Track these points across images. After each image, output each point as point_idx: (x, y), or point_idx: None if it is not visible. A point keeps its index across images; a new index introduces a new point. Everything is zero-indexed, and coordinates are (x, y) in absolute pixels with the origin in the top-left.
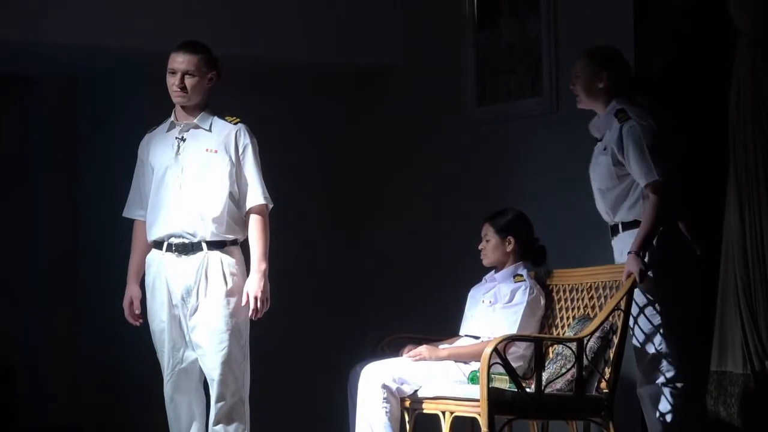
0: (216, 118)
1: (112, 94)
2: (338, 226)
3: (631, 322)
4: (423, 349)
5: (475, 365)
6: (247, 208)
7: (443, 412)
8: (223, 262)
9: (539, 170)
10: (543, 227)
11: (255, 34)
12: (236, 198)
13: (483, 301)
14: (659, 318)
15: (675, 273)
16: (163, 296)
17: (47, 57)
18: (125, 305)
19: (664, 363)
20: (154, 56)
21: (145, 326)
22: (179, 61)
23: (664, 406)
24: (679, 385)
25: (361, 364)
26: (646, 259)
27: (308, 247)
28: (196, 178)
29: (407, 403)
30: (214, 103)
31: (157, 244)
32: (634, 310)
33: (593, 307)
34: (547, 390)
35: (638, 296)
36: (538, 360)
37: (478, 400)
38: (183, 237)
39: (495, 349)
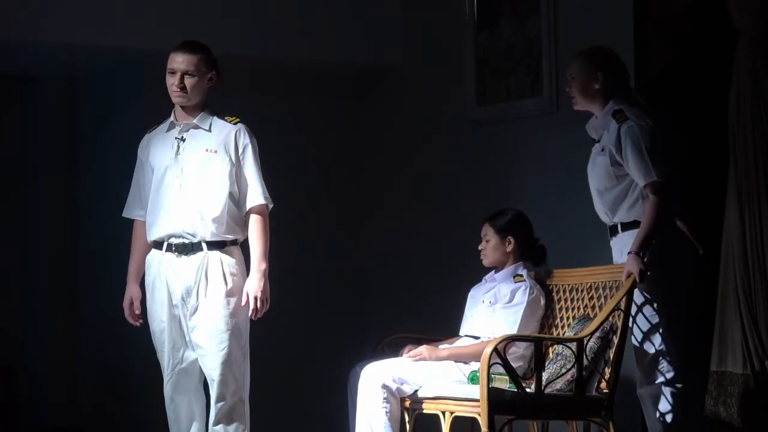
0: (216, 118)
1: (112, 94)
2: (338, 226)
3: (630, 322)
4: (423, 349)
5: (475, 365)
6: (247, 208)
7: (443, 412)
8: (223, 262)
9: (539, 170)
10: (543, 227)
11: (255, 34)
12: (236, 198)
13: (483, 301)
14: (659, 318)
15: (674, 273)
16: (163, 296)
17: (47, 57)
18: (125, 305)
19: (664, 363)
20: (154, 56)
21: (145, 326)
22: (179, 61)
23: (664, 406)
24: (679, 385)
25: (361, 364)
26: (645, 260)
27: (308, 248)
28: (196, 178)
29: (407, 403)
30: (214, 103)
31: (157, 245)
32: (633, 309)
33: (593, 307)
34: (547, 390)
35: (636, 295)
36: (538, 360)
37: (478, 400)
38: (183, 237)
39: (495, 349)
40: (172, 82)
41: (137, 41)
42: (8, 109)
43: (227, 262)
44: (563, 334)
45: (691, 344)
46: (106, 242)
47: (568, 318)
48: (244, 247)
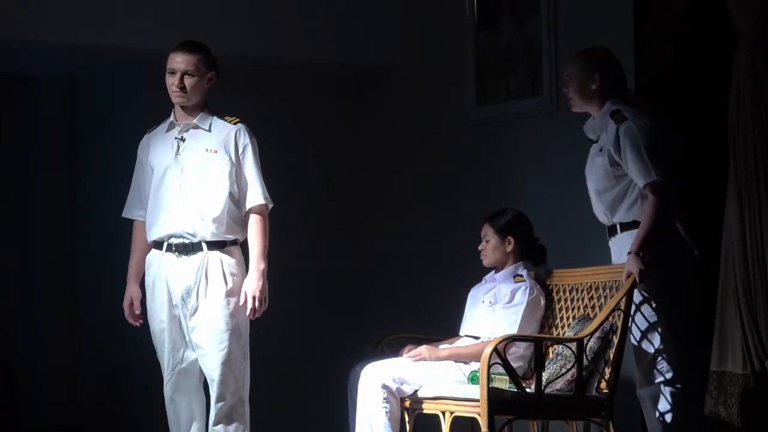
0: (215, 118)
1: (112, 94)
2: (338, 226)
3: (629, 321)
4: (423, 349)
5: (475, 365)
6: (247, 208)
7: (443, 412)
8: (223, 262)
9: (539, 170)
10: (543, 227)
11: (255, 34)
12: (236, 198)
13: (483, 302)
14: (658, 318)
15: (673, 272)
16: (163, 296)
17: (47, 57)
18: (125, 306)
19: (664, 363)
20: (154, 56)
21: (145, 326)
22: (178, 61)
23: (664, 406)
24: (678, 385)
25: (361, 364)
26: (645, 260)
27: (308, 248)
28: (196, 178)
29: (407, 403)
30: (214, 103)
31: (157, 245)
32: (633, 309)
33: (593, 307)
34: (547, 390)
35: (636, 295)
36: (538, 360)
37: (478, 400)
38: (183, 237)
39: (495, 349)
40: (171, 82)
41: (137, 41)
42: (8, 109)
43: (227, 262)
44: (563, 334)
45: (690, 344)
46: (106, 242)
47: (568, 318)
48: (244, 247)
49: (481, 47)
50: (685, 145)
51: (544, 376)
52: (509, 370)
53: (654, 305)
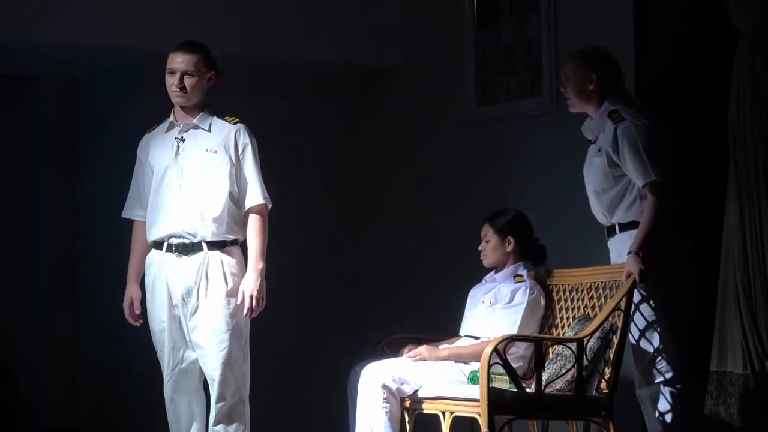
0: (215, 118)
1: (112, 94)
2: (338, 226)
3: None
4: (423, 349)
5: (475, 365)
6: (246, 208)
7: (443, 412)
8: (223, 262)
9: (539, 170)
10: (543, 227)
11: (255, 34)
12: (236, 198)
13: (483, 302)
14: (657, 317)
15: (672, 272)
16: (163, 296)
17: (47, 57)
18: (125, 306)
19: (663, 363)
20: (154, 56)
21: (145, 326)
22: (178, 61)
23: (664, 406)
24: (678, 385)
25: (361, 364)
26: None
27: (308, 247)
28: (196, 178)
29: (407, 403)
30: (214, 103)
31: (157, 245)
32: (632, 309)
33: (593, 307)
34: (547, 390)
35: (635, 295)
36: (538, 360)
37: (478, 400)
38: (183, 237)
39: (495, 350)
40: (171, 82)
41: (137, 41)
42: (8, 109)
43: (227, 262)
44: (563, 334)
45: (690, 344)
46: (106, 242)
47: (568, 318)
48: (244, 247)
49: (481, 47)
50: (685, 145)
51: (544, 376)
52: (509, 370)
53: (653, 305)
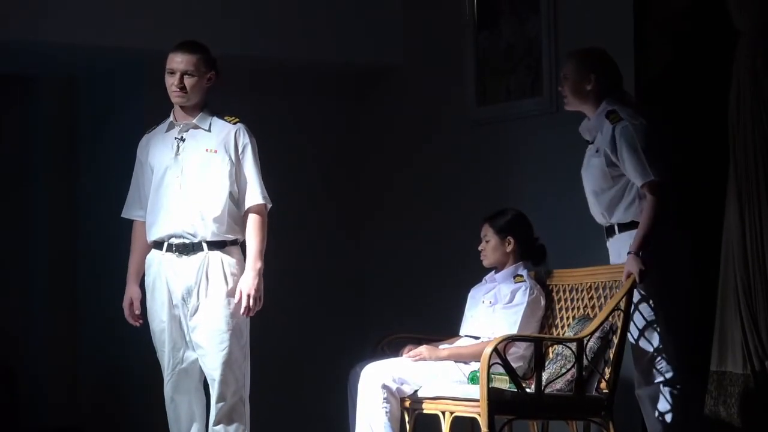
0: (215, 118)
1: (112, 94)
2: (338, 226)
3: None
4: (423, 349)
5: (475, 365)
6: (246, 208)
7: (443, 412)
8: (223, 262)
9: (539, 170)
10: (543, 227)
11: (255, 34)
12: (236, 198)
13: (483, 302)
14: (657, 317)
15: (672, 272)
16: (164, 296)
17: (47, 57)
18: (125, 306)
19: (663, 363)
20: (154, 56)
21: (145, 326)
22: (178, 61)
23: (664, 405)
24: (678, 385)
25: (361, 364)
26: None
27: (308, 247)
28: (196, 178)
29: (407, 403)
30: (214, 103)
31: (158, 245)
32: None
33: (593, 307)
34: (547, 390)
35: (635, 295)
36: (538, 360)
37: (478, 400)
38: (183, 237)
39: (495, 349)
40: (171, 82)
41: (137, 41)
42: (8, 109)
43: (228, 262)
44: (563, 334)
45: (689, 344)
46: (106, 242)
47: (568, 318)
48: (244, 247)
49: (481, 47)
50: (685, 145)
51: (544, 376)
52: (509, 370)
53: (653, 305)
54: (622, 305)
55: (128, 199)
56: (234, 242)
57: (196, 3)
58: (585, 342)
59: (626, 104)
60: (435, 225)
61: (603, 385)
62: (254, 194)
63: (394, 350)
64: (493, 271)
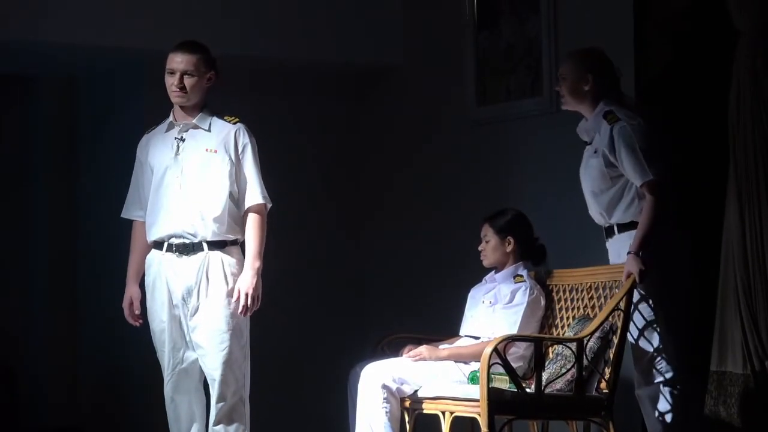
0: (215, 117)
1: (112, 94)
2: (338, 226)
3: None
4: (423, 349)
5: (475, 365)
6: (246, 207)
7: (443, 412)
8: (223, 262)
9: (539, 170)
10: (543, 227)
11: (255, 34)
12: (236, 197)
13: (483, 302)
14: (657, 317)
15: (672, 272)
16: (164, 296)
17: (47, 57)
18: (125, 306)
19: (663, 363)
20: (154, 56)
21: (145, 326)
22: (178, 61)
23: (664, 405)
24: (678, 385)
25: (361, 364)
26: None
27: (308, 247)
28: (196, 178)
29: (407, 403)
30: (213, 102)
31: (158, 245)
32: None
33: (593, 307)
34: (547, 390)
35: (634, 294)
36: (538, 360)
37: (478, 400)
38: (183, 237)
39: (495, 350)
40: (171, 82)
41: (137, 41)
42: (8, 109)
43: (228, 261)
44: (563, 334)
45: (689, 344)
46: (106, 242)
47: (568, 318)
48: (244, 247)
49: (481, 47)
50: (685, 145)
51: (544, 376)
52: (509, 370)
53: (653, 305)
54: (622, 305)
55: (128, 199)
56: (234, 242)
57: (196, 3)
58: (585, 342)
59: (623, 105)
60: (435, 225)
61: (603, 385)
62: (254, 194)
63: (394, 350)
64: (493, 271)
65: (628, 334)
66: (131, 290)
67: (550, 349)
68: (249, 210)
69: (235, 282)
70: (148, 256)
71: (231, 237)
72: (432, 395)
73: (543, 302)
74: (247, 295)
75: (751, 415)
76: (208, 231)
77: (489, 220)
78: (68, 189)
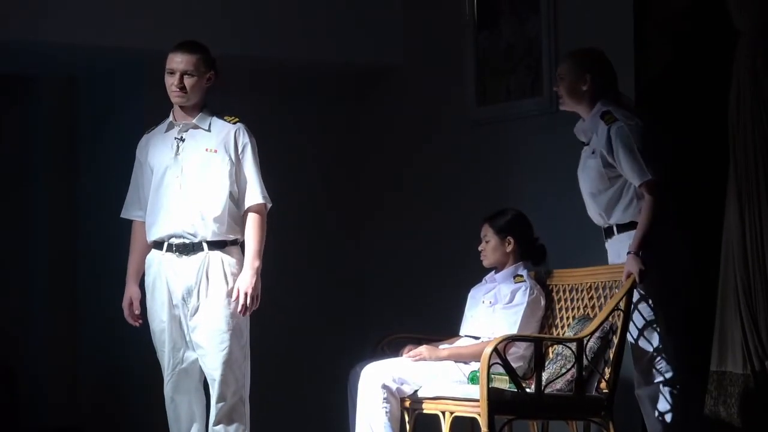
0: (215, 117)
1: (112, 94)
2: (338, 226)
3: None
4: (423, 349)
5: (475, 365)
6: (246, 207)
7: (443, 412)
8: (224, 262)
9: (539, 170)
10: (543, 227)
11: (255, 34)
12: (236, 197)
13: (483, 302)
14: (657, 317)
15: (671, 272)
16: (164, 296)
17: (47, 57)
18: (125, 306)
19: (663, 363)
20: (154, 56)
21: (145, 326)
22: (178, 61)
23: (663, 405)
24: (678, 385)
25: (361, 364)
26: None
27: (308, 247)
28: (196, 178)
29: (407, 403)
30: (213, 103)
31: (157, 245)
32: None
33: (593, 307)
34: (547, 390)
35: (634, 294)
36: (538, 360)
37: (478, 400)
38: (183, 237)
39: (495, 349)
40: (171, 82)
41: (137, 41)
42: (8, 109)
43: (228, 261)
44: (563, 334)
45: (689, 344)
46: (106, 242)
47: (568, 318)
48: (244, 246)
49: (481, 47)
50: (685, 145)
51: (544, 376)
52: (509, 370)
53: (653, 305)
54: (622, 305)
55: (127, 200)
56: (234, 242)
57: (196, 3)
58: (585, 342)
59: (621, 105)
60: (435, 225)
61: (603, 385)
62: (254, 194)
63: (394, 350)
64: (493, 271)
65: (628, 334)
66: (131, 290)
67: (550, 349)
68: (249, 210)
69: (235, 282)
70: (148, 256)
71: (231, 237)
72: (432, 395)
73: (543, 302)
74: (246, 294)
75: (751, 415)
76: (208, 231)
77: (489, 220)
78: (68, 189)
